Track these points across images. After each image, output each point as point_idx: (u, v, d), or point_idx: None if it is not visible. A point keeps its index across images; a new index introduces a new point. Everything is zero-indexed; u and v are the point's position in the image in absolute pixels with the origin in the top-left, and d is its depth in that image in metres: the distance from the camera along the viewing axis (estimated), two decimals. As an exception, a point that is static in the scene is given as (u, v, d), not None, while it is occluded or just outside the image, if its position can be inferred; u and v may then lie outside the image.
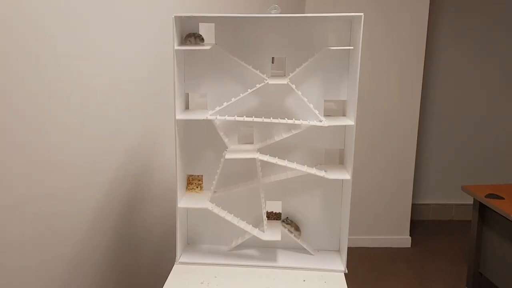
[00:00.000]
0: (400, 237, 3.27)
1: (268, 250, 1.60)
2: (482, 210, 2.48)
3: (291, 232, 1.54)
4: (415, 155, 3.19)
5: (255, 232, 1.51)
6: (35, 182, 1.41)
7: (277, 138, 1.50)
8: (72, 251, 1.57)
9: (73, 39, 1.48)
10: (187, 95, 1.55)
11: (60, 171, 1.49)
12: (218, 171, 1.47)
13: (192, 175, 1.60)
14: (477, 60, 3.50)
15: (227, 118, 1.43)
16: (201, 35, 1.44)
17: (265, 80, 1.43)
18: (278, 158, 1.47)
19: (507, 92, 3.55)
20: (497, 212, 2.30)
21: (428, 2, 2.96)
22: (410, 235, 3.28)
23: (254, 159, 1.45)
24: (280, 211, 1.61)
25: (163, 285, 1.40)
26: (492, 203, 2.32)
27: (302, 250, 1.59)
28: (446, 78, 3.53)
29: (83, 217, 1.60)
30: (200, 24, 1.47)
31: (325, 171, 1.48)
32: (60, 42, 1.44)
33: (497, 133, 3.61)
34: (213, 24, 1.47)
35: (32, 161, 1.40)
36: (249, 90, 1.44)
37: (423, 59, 3.05)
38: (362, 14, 1.34)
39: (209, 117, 1.43)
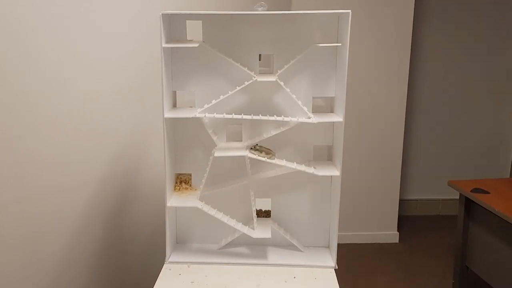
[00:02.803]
0: (388, 233, 3.30)
1: (258, 248, 1.60)
2: (468, 204, 2.51)
3: (264, 157, 1.45)
4: (402, 151, 3.22)
5: (245, 230, 1.51)
6: (23, 182, 1.39)
7: (266, 135, 1.50)
8: (61, 251, 1.55)
9: (61, 40, 1.46)
10: (174, 93, 1.54)
11: (48, 171, 1.47)
12: (207, 169, 1.47)
13: (181, 173, 1.59)
14: (463, 56, 3.54)
15: (216, 115, 1.43)
16: None
17: (253, 77, 1.43)
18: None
19: (493, 88, 3.60)
20: (483, 207, 2.33)
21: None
22: (398, 231, 3.31)
23: (243, 156, 1.45)
24: (270, 209, 1.61)
25: (153, 285, 1.39)
26: (477, 198, 2.35)
27: (292, 247, 1.60)
28: (432, 74, 3.57)
29: (72, 217, 1.59)
30: (187, 21, 1.46)
31: (314, 167, 1.48)
32: (49, 43, 1.42)
33: (483, 128, 3.67)
34: (201, 22, 1.47)
35: (20, 161, 1.38)
36: (238, 88, 1.43)
37: (409, 55, 3.08)
38: (349, 11, 1.34)
39: (198, 115, 1.42)
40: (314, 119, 1.44)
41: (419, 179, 3.74)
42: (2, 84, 1.30)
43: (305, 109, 1.45)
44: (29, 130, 1.40)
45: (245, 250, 1.59)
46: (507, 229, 2.22)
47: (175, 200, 1.50)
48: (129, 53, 1.76)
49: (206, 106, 1.44)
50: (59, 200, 1.53)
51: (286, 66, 1.44)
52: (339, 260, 1.52)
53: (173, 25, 1.46)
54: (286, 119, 1.44)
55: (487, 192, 2.40)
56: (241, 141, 1.53)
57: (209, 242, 1.62)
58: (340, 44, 1.43)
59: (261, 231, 1.51)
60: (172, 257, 1.54)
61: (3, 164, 1.33)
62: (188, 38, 1.48)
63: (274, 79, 1.43)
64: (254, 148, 1.49)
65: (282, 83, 1.44)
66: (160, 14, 1.35)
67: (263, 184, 1.56)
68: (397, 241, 3.30)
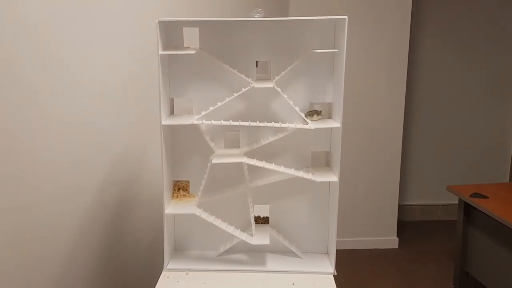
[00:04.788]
0: (387, 238, 3.29)
1: (257, 254, 1.59)
2: (467, 209, 2.51)
3: (317, 118, 1.46)
4: (400, 156, 3.22)
5: (244, 236, 1.50)
6: (21, 190, 1.39)
7: (263, 142, 1.49)
8: (59, 258, 1.55)
9: (59, 47, 1.46)
10: (172, 100, 1.54)
11: (46, 178, 1.47)
12: (205, 176, 1.46)
13: (179, 180, 1.59)
14: (461, 61, 3.55)
15: (213, 122, 1.43)
16: None
17: (250, 84, 1.43)
18: (265, 161, 1.47)
19: (491, 93, 3.61)
20: (482, 211, 2.33)
21: (411, 2, 3.00)
22: (397, 236, 3.30)
23: (241, 163, 1.45)
24: (268, 215, 1.60)
25: (151, 293, 1.38)
26: (476, 202, 2.35)
27: (291, 254, 1.59)
28: (430, 80, 3.58)
29: (71, 223, 1.58)
30: (184, 28, 1.47)
31: (312, 173, 1.48)
32: (48, 50, 1.42)
33: (481, 133, 3.67)
34: (197, 29, 1.47)
35: (18, 168, 1.37)
36: (235, 94, 1.43)
37: (407, 60, 3.09)
38: (346, 17, 1.34)
39: (195, 122, 1.42)
40: (312, 125, 1.44)
41: (418, 184, 3.73)
42: (2, 94, 1.30)
43: (303, 115, 1.45)
44: (29, 137, 1.40)
45: (243, 257, 1.59)
46: (507, 234, 2.22)
47: (173, 207, 1.50)
48: (127, 61, 1.77)
49: (203, 113, 1.44)
50: (58, 207, 1.52)
51: (283, 73, 1.45)
52: (338, 266, 1.52)
53: (170, 32, 1.46)
54: (283, 125, 1.44)
55: (486, 197, 2.40)
56: (239, 147, 1.53)
57: (208, 249, 1.62)
58: (337, 50, 1.43)
59: (260, 237, 1.51)
60: (170, 264, 1.54)
61: (3, 170, 1.33)
62: (185, 45, 1.49)
63: (271, 86, 1.43)
64: (310, 113, 1.49)
65: (279, 90, 1.44)
66: (157, 21, 1.35)
67: (261, 191, 1.56)
68: (397, 247, 3.29)
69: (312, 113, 1.49)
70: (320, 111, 1.51)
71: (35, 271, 1.47)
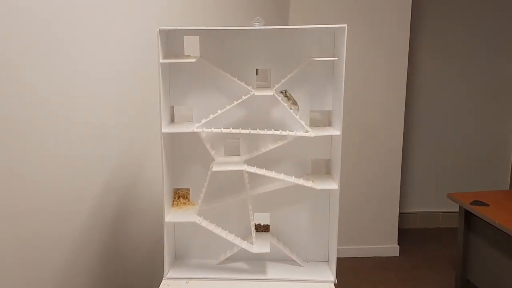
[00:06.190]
0: (388, 246, 3.28)
1: (257, 263, 1.59)
2: (468, 217, 2.50)
3: (290, 108, 1.45)
4: (401, 164, 3.21)
5: (244, 244, 1.50)
6: (23, 195, 1.39)
7: (264, 150, 1.50)
8: (59, 264, 1.54)
9: (59, 53, 1.47)
10: (172, 108, 1.55)
11: (47, 184, 1.47)
12: (205, 184, 1.46)
13: (179, 188, 1.59)
14: (461, 69, 3.56)
15: (214, 130, 1.43)
16: None
17: (250, 92, 1.44)
18: (265, 169, 1.47)
19: (491, 100, 3.62)
20: (482, 219, 2.32)
21: (410, 11, 3.02)
22: (398, 244, 3.29)
23: (241, 171, 1.45)
24: (268, 223, 1.60)
25: (151, 301, 1.38)
26: (477, 210, 2.34)
27: (291, 262, 1.58)
28: (429, 87, 3.58)
29: (70, 231, 1.58)
30: (184, 37, 1.47)
31: (312, 181, 1.48)
32: (48, 58, 1.42)
33: (481, 140, 3.67)
34: (198, 37, 1.48)
35: (17, 175, 1.37)
36: (235, 102, 1.44)
37: (406, 68, 3.09)
38: (345, 25, 1.35)
39: (196, 130, 1.43)
40: (312, 132, 1.44)
41: (419, 192, 3.73)
42: (3, 101, 1.30)
43: (303, 123, 1.45)
44: (30, 144, 1.40)
45: (244, 265, 1.58)
46: (507, 241, 2.21)
47: (173, 215, 1.50)
48: (130, 68, 1.77)
49: (203, 120, 1.44)
50: (58, 213, 1.52)
51: (283, 80, 1.45)
52: (338, 275, 1.51)
53: (171, 41, 1.47)
54: (283, 133, 1.44)
55: (487, 205, 2.39)
56: (239, 155, 1.53)
57: (208, 258, 1.61)
58: (336, 58, 1.44)
59: (260, 245, 1.50)
60: (170, 273, 1.53)
61: (4, 175, 1.33)
62: (186, 53, 1.49)
63: (271, 93, 1.43)
64: (284, 94, 1.47)
65: (279, 97, 1.44)
66: (157, 30, 1.36)
67: (261, 199, 1.55)
68: (398, 254, 3.28)
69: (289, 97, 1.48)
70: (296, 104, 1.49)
71: (34, 276, 1.46)
